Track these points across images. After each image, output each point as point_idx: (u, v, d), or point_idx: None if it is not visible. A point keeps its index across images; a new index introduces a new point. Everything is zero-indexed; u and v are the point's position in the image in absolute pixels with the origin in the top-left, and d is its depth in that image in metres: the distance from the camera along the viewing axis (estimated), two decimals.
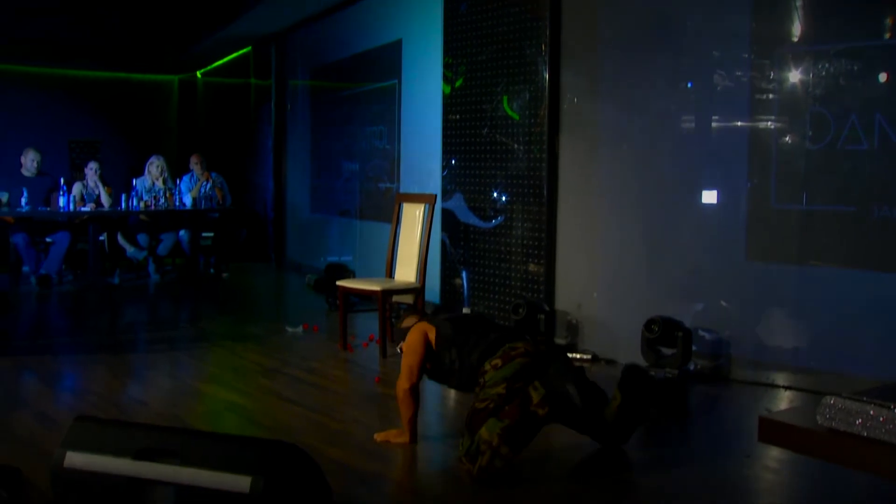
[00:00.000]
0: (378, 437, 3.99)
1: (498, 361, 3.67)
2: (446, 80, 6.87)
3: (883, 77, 4.58)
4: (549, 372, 3.59)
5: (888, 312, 4.61)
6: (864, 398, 1.64)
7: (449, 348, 3.90)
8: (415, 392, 3.88)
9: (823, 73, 4.82)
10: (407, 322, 4.18)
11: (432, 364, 3.97)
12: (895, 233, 4.57)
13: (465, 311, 6.32)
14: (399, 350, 4.20)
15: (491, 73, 6.43)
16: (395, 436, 3.97)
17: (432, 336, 3.97)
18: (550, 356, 3.72)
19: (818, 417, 1.68)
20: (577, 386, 3.50)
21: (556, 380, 3.53)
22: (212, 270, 10.14)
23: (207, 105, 13.33)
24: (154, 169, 9.75)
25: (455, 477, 3.59)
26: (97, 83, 12.40)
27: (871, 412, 1.59)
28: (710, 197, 5.41)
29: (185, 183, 10.01)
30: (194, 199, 9.86)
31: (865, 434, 1.59)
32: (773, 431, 1.82)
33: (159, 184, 9.71)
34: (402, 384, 3.87)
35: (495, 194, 6.41)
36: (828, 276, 4.86)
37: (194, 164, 10.09)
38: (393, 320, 6.36)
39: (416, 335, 3.97)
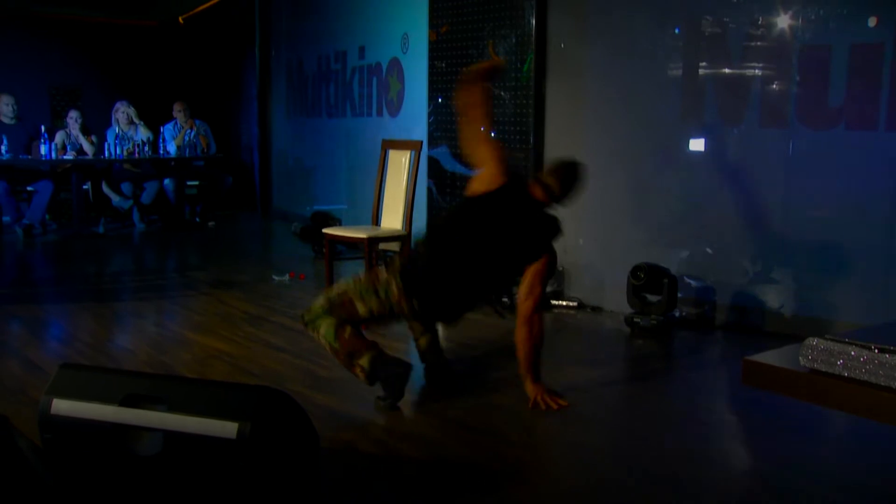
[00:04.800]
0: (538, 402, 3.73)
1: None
2: (432, 25, 6.77)
3: (872, 21, 4.54)
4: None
5: (869, 259, 4.65)
6: (846, 339, 1.65)
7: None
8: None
9: (813, 16, 4.78)
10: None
11: None
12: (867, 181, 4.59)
13: None
14: None
15: (477, 18, 6.34)
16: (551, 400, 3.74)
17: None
18: None
19: (801, 359, 1.69)
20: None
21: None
22: (197, 219, 10.08)
23: (190, 51, 13.13)
24: (121, 116, 9.62)
25: (446, 424, 3.62)
26: (78, 26, 12.13)
27: (853, 353, 1.60)
28: (696, 144, 5.40)
29: (168, 131, 9.91)
30: (178, 147, 9.77)
31: (847, 374, 1.60)
32: (757, 373, 1.83)
33: (131, 131, 9.60)
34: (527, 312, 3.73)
35: None
36: (812, 221, 4.88)
37: (177, 111, 9.97)
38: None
39: None
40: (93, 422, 2.60)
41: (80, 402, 2.62)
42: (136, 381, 2.71)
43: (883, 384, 1.54)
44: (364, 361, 3.66)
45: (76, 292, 6.34)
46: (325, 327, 3.68)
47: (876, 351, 1.57)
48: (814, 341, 1.67)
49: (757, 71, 5.02)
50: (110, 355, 4.64)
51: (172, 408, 2.59)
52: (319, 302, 3.75)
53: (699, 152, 5.36)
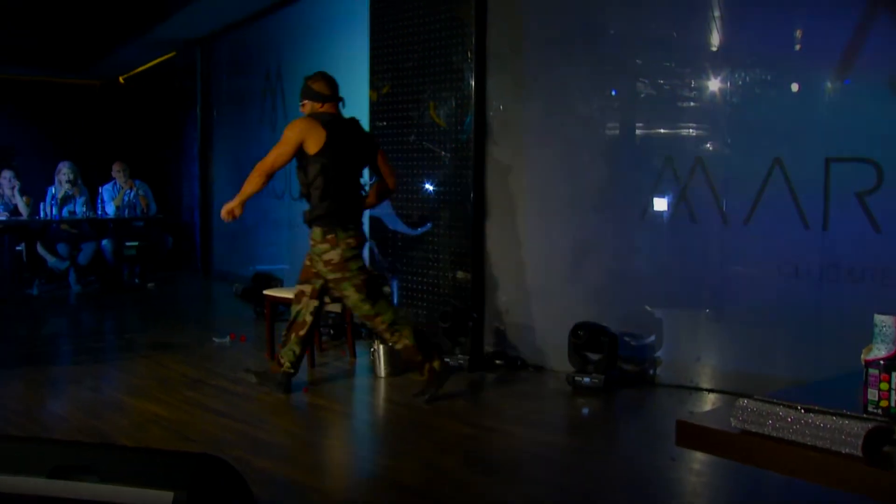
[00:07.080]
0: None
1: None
2: (373, 86, 6.85)
3: (795, 87, 4.73)
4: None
5: (802, 315, 4.75)
6: (774, 399, 1.69)
7: (318, 172, 4.72)
8: (266, 178, 4.77)
9: (740, 81, 4.95)
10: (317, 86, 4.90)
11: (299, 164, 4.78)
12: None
13: None
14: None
15: (417, 79, 6.43)
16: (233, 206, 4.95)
17: (316, 140, 4.68)
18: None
19: (732, 420, 1.72)
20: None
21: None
22: (136, 280, 9.91)
23: (131, 111, 13.07)
24: (63, 177, 9.49)
25: (386, 486, 3.58)
26: (15, 85, 12.00)
27: (781, 413, 1.63)
28: (634, 203, 5.50)
29: (107, 191, 9.78)
30: (117, 208, 9.64)
31: (776, 434, 1.63)
32: (691, 435, 1.86)
33: (74, 191, 9.47)
34: (261, 167, 4.79)
35: (423, 201, 6.42)
36: (747, 278, 4.99)
37: (117, 171, 9.86)
38: (321, 329, 6.32)
39: (295, 132, 4.70)
40: (17, 497, 2.50)
41: (2, 475, 2.52)
42: (66, 450, 2.63)
43: (809, 444, 1.58)
44: None
45: (6, 356, 6.15)
46: None
47: (802, 411, 1.61)
48: (744, 402, 1.71)
49: (691, 132, 5.16)
50: (41, 423, 4.50)
51: (104, 478, 2.52)
52: None
53: (637, 211, 5.46)
